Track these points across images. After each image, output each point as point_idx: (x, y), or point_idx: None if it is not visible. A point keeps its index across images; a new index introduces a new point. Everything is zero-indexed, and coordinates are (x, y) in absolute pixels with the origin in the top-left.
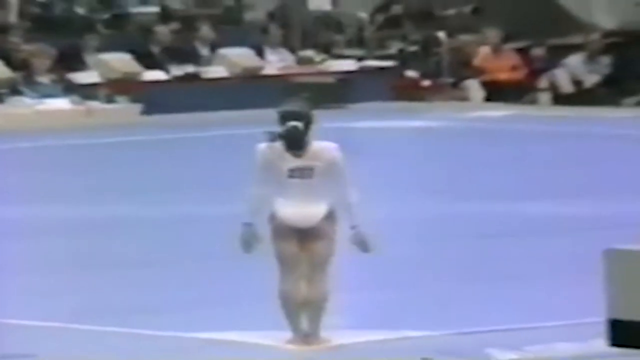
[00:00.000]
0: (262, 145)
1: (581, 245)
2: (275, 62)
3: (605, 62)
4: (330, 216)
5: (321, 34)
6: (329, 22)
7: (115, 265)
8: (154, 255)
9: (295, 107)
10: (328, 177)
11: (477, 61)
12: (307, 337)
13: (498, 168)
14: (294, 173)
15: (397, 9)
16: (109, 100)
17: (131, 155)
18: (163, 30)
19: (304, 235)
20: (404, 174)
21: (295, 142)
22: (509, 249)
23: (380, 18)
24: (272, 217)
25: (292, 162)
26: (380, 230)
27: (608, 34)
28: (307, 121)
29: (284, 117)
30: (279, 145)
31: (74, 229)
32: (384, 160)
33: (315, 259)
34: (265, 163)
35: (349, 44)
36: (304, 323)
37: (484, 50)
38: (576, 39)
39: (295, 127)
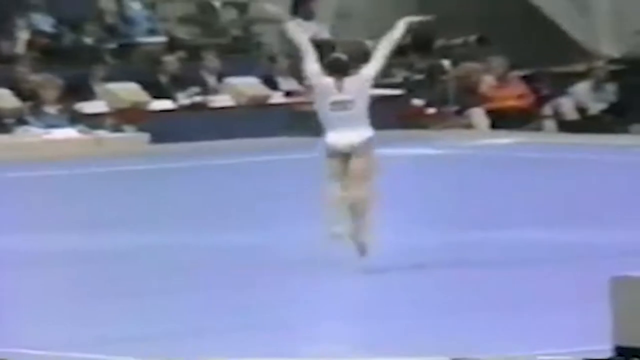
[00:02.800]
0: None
1: (587, 273)
2: (285, 91)
3: (611, 89)
4: (369, 142)
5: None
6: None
7: (129, 293)
8: (171, 282)
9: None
10: (365, 94)
11: (482, 89)
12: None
13: (504, 195)
14: (335, 106)
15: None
16: (116, 129)
17: (140, 184)
18: (170, 60)
19: (347, 155)
20: (408, 202)
21: (338, 66)
22: (514, 277)
23: None
24: (324, 143)
25: (335, 96)
26: (385, 257)
27: (612, 61)
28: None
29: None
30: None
31: (86, 258)
32: (389, 188)
33: (357, 172)
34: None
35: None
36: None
37: (490, 79)
38: (580, 67)
39: (338, 56)
